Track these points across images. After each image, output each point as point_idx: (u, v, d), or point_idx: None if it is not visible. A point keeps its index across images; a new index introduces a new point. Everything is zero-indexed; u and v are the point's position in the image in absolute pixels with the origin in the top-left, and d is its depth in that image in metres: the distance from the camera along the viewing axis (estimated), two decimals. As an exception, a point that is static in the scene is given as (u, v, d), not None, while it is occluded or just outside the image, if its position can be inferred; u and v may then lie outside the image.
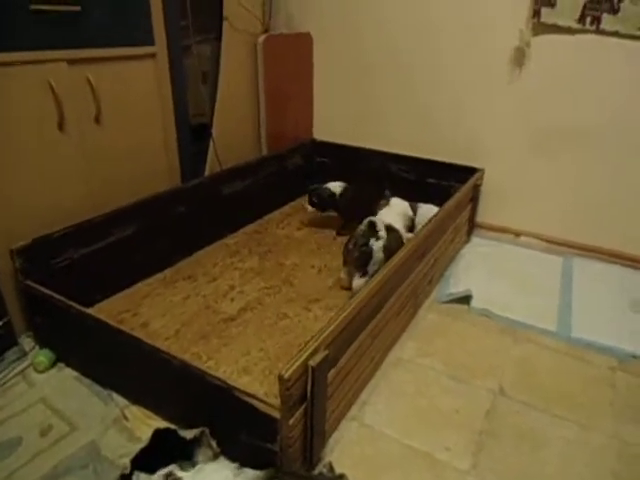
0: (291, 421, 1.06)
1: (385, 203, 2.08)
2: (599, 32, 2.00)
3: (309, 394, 1.09)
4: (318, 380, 1.08)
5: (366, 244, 1.76)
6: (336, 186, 2.36)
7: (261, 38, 2.35)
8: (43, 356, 1.51)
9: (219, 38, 2.24)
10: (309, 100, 2.79)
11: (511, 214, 2.45)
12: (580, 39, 2.04)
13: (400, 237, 1.89)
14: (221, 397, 1.14)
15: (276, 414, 1.05)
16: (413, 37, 2.40)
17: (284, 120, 2.65)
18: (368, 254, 1.75)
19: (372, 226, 1.79)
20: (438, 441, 1.31)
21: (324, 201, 2.34)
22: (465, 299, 1.92)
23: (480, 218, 2.49)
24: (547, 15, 2.06)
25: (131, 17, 1.74)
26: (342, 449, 1.28)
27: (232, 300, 1.84)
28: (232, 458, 1.16)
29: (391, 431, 1.34)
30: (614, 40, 1.99)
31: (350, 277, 1.85)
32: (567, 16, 2.03)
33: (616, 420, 1.39)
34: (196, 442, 1.23)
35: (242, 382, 1.43)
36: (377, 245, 1.76)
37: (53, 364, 1.53)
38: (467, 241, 2.41)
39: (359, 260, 1.78)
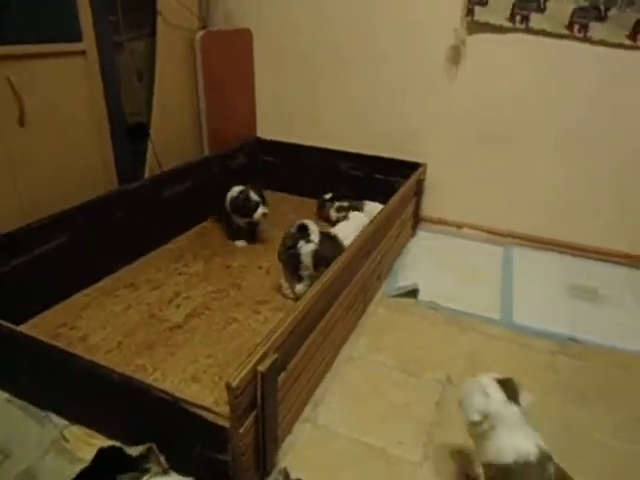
0: (241, 429, 1.03)
1: (343, 216, 2.07)
2: (528, 30, 2.09)
3: (259, 400, 1.06)
4: (268, 385, 1.06)
5: (294, 246, 1.73)
6: None
7: (199, 34, 2.28)
8: (-31, 379, 1.39)
9: (153, 34, 2.15)
10: (251, 97, 2.74)
11: (453, 207, 2.52)
12: (511, 37, 2.12)
13: (338, 244, 1.77)
14: (168, 410, 1.09)
15: (225, 423, 1.01)
16: (353, 34, 2.41)
17: (226, 118, 2.59)
18: (296, 257, 1.72)
19: (302, 229, 1.75)
20: (391, 436, 1.32)
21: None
22: (413, 292, 1.96)
23: (424, 212, 2.54)
24: (480, 13, 2.13)
25: (55, 12, 1.64)
26: (296, 453, 1.27)
27: (178, 307, 1.78)
28: (183, 472, 1.12)
29: (345, 430, 1.34)
30: (542, 38, 2.08)
31: (289, 283, 1.83)
32: (498, 15, 2.11)
33: (561, 402, 1.45)
34: (143, 459, 1.18)
35: (191, 391, 1.38)
36: (305, 249, 1.72)
37: (-19, 387, 1.41)
38: (413, 235, 2.45)
39: (288, 264, 1.77)
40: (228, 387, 0.97)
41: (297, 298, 1.72)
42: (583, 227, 2.29)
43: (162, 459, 1.16)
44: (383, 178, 2.52)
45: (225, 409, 1.02)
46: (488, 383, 1.06)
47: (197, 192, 2.34)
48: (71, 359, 1.18)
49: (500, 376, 1.09)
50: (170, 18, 2.18)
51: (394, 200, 1.97)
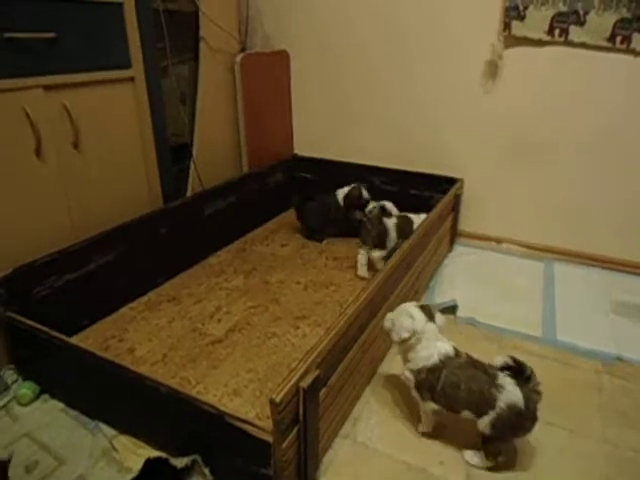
0: (284, 444, 1.05)
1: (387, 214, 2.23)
2: (568, 43, 2.07)
3: (301, 416, 1.08)
4: (310, 401, 1.08)
5: (380, 222, 2.08)
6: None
7: (239, 57, 2.36)
8: (26, 388, 1.47)
9: (196, 58, 2.25)
10: (288, 116, 2.81)
11: (491, 222, 2.49)
12: (550, 51, 2.11)
13: (411, 221, 2.14)
14: (212, 423, 1.12)
15: (269, 438, 1.04)
16: (386, 52, 2.45)
17: (264, 137, 2.66)
18: (384, 231, 2.08)
19: (383, 209, 2.14)
20: (432, 455, 1.31)
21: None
22: (451, 309, 1.94)
23: (462, 227, 2.52)
24: (517, 28, 2.12)
25: (107, 41, 1.74)
26: (336, 469, 1.27)
27: (219, 321, 1.82)
28: (225, 484, 1.15)
29: (384, 447, 1.34)
30: (582, 51, 2.06)
31: (369, 259, 2.11)
32: (536, 28, 2.09)
33: (604, 424, 1.41)
34: (188, 470, 1.21)
35: (233, 405, 1.41)
36: (391, 222, 2.11)
37: (37, 396, 1.49)
38: (450, 250, 2.44)
39: (378, 237, 2.08)
40: (272, 403, 1.00)
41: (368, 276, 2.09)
42: (625, 242, 2.22)
43: (206, 471, 1.19)
44: (418, 193, 2.52)
45: (267, 423, 1.04)
46: (412, 308, 1.33)
47: (237, 208, 2.41)
48: (120, 371, 1.24)
49: (419, 303, 1.36)
50: (212, 43, 2.27)
51: (432, 215, 1.97)
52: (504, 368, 1.23)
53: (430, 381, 1.27)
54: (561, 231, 2.34)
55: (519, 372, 1.21)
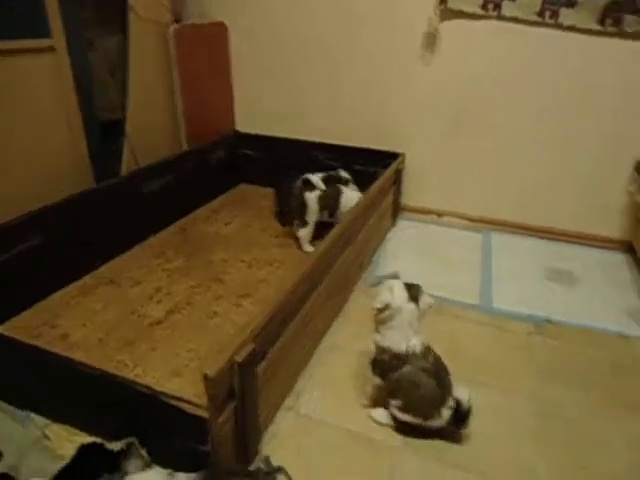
0: (220, 419, 1.04)
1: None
2: (500, 18, 2.11)
3: (237, 390, 1.07)
4: (246, 375, 1.07)
5: (301, 195, 2.08)
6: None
7: (171, 28, 2.25)
8: (-53, 382, 1.38)
9: (125, 29, 2.12)
10: (229, 91, 2.73)
11: (433, 195, 2.54)
12: (485, 24, 2.14)
13: (338, 194, 2.12)
14: (148, 404, 1.09)
15: (204, 414, 1.02)
16: (329, 23, 2.41)
17: (203, 113, 2.57)
18: (303, 204, 2.07)
19: (306, 182, 2.13)
20: (374, 423, 1.34)
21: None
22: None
23: (404, 201, 2.56)
24: (453, 2, 2.14)
25: (21, 6, 1.61)
26: (279, 441, 1.28)
27: (159, 302, 1.77)
28: (166, 465, 1.12)
29: (328, 417, 1.35)
30: (515, 25, 2.10)
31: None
32: (471, 3, 2.12)
33: (533, 382, 1.49)
34: (125, 453, 1.18)
35: (172, 385, 1.38)
36: (312, 195, 2.08)
37: (-40, 389, 1.40)
38: (393, 224, 2.47)
39: (299, 211, 2.09)
40: (205, 378, 0.98)
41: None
42: (558, 211, 2.34)
43: (144, 452, 1.17)
44: (362, 169, 2.52)
45: (203, 401, 1.03)
46: (396, 284, 1.31)
47: (177, 187, 2.33)
48: (49, 357, 1.18)
49: (409, 283, 1.33)
50: (142, 12, 2.15)
51: (372, 189, 1.99)
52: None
53: (389, 365, 1.27)
54: (499, 203, 2.43)
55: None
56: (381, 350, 1.29)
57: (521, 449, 1.28)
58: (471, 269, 2.11)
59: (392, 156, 2.40)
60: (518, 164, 2.33)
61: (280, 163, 2.71)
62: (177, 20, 2.39)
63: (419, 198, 2.56)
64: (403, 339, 1.26)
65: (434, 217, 2.55)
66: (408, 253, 2.20)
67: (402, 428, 1.30)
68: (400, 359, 1.25)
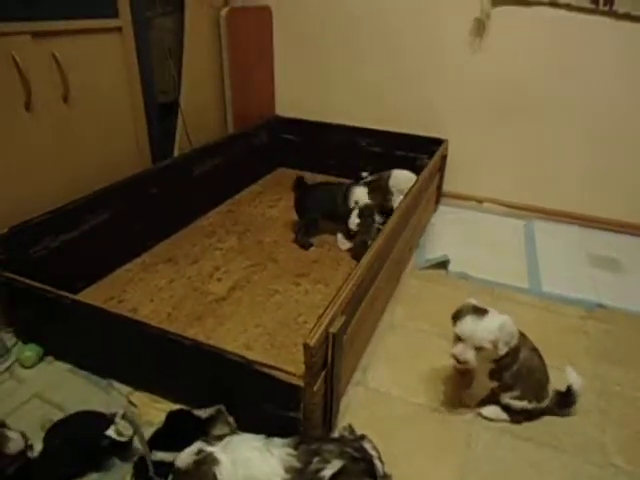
0: (315, 388, 1.09)
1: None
2: (553, 4, 2.11)
3: (329, 360, 1.11)
4: (338, 346, 1.11)
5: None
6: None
7: (224, 11, 2.27)
8: (30, 351, 1.43)
9: (180, 10, 2.14)
10: (270, 75, 2.75)
11: (473, 182, 2.56)
12: (536, 12, 2.15)
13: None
14: (239, 373, 1.14)
15: (300, 382, 1.07)
16: (371, 8, 2.41)
17: (248, 96, 2.60)
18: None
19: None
20: (438, 396, 1.39)
21: None
22: (441, 264, 2.01)
23: (445, 187, 2.58)
24: (505, -13, 2.14)
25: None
26: (353, 413, 1.33)
27: (219, 280, 1.82)
28: (252, 431, 1.17)
29: (396, 392, 1.40)
30: (566, 12, 2.11)
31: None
32: (523, -12, 2.13)
33: (593, 362, 1.53)
34: (211, 420, 1.23)
35: (247, 358, 1.43)
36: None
37: (41, 358, 1.45)
38: (435, 210, 2.50)
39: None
40: (306, 347, 1.03)
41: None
42: (601, 200, 2.35)
43: (231, 419, 1.21)
44: (403, 154, 2.55)
45: (295, 371, 1.07)
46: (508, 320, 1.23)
47: (224, 169, 2.36)
48: (139, 326, 1.23)
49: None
50: (197, -8, 2.17)
51: (424, 174, 2.01)
52: None
53: (505, 366, 1.24)
54: (540, 190, 2.45)
55: None
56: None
57: (587, 425, 1.32)
58: (516, 254, 2.14)
59: (434, 142, 2.42)
60: (563, 153, 2.34)
61: (318, 147, 2.74)
62: (227, 3, 2.40)
63: (459, 184, 2.58)
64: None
65: (474, 203, 2.58)
66: (452, 237, 2.23)
67: (516, 418, 1.30)
68: (514, 351, 1.23)
